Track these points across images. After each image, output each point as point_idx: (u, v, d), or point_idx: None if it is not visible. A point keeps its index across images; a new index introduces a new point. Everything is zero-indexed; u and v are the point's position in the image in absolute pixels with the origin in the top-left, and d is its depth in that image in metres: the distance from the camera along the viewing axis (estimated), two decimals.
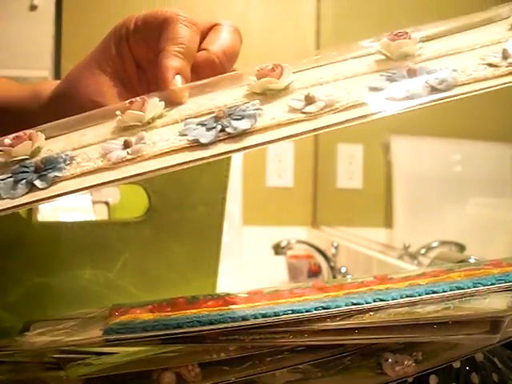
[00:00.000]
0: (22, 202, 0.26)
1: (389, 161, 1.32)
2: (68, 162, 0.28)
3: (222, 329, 0.29)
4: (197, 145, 0.27)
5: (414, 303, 0.30)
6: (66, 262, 0.45)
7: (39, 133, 0.30)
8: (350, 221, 1.52)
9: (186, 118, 0.29)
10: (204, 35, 0.35)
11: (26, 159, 0.29)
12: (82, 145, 0.29)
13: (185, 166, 0.26)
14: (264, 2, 1.77)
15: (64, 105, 0.36)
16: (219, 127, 0.27)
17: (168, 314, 0.32)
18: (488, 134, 1.06)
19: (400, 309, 0.30)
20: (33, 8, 1.58)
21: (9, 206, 0.26)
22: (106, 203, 0.90)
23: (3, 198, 0.26)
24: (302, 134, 0.27)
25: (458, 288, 0.31)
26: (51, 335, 0.32)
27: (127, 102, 0.30)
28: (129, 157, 0.27)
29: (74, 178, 0.27)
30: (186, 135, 0.27)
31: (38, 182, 0.27)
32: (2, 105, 0.40)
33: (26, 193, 0.27)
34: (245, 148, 0.26)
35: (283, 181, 1.67)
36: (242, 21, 1.72)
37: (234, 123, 0.27)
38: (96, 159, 0.27)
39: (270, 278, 1.38)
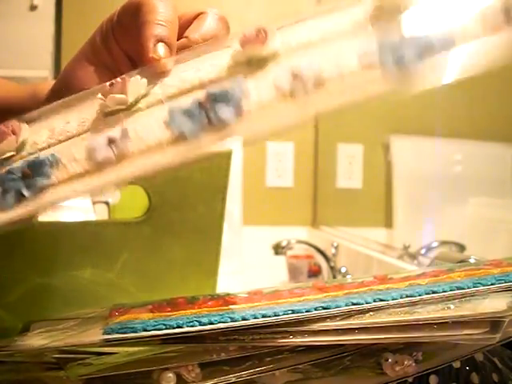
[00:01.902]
0: (13, 216, 0.26)
1: (389, 161, 1.32)
2: (54, 165, 0.27)
3: (222, 329, 0.29)
4: (182, 138, 0.26)
5: (413, 303, 0.30)
6: (66, 261, 0.45)
7: (22, 124, 0.29)
8: (350, 221, 1.52)
9: (170, 97, 0.28)
10: (189, 25, 0.35)
11: (12, 155, 0.28)
12: (67, 136, 0.29)
13: (171, 165, 0.26)
14: (264, 1, 1.77)
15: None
16: (204, 117, 0.26)
17: (168, 314, 0.32)
18: (488, 134, 1.06)
19: (400, 309, 0.30)
20: (33, 8, 1.58)
21: (3, 220, 0.26)
22: (106, 203, 0.90)
23: None
24: (289, 121, 0.26)
25: (458, 288, 0.31)
26: (51, 335, 0.32)
27: (108, 83, 0.29)
28: (114, 157, 0.26)
29: (61, 183, 0.27)
30: (171, 128, 0.26)
31: (25, 192, 0.26)
32: (1, 106, 0.40)
33: (15, 203, 0.26)
34: (230, 139, 0.26)
35: (283, 181, 1.67)
36: (242, 21, 1.72)
37: (219, 111, 0.26)
38: (82, 160, 0.27)
39: (270, 277, 1.38)
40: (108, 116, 0.29)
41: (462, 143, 1.14)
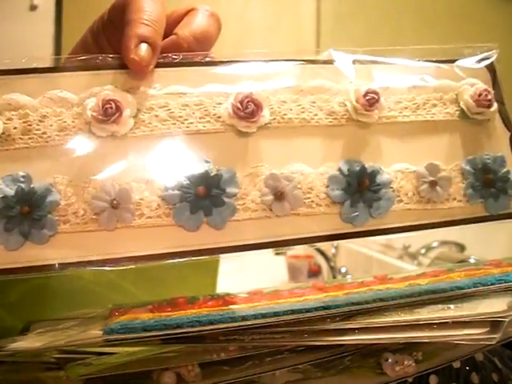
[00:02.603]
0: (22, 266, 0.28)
1: None
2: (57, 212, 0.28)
3: (222, 329, 0.29)
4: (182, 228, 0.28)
5: (413, 303, 0.30)
6: None
7: None
8: None
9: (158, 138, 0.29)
10: (179, 21, 0.34)
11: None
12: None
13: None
14: (264, 1, 1.77)
15: None
16: (202, 214, 0.28)
17: (168, 314, 0.32)
18: None
19: (400, 309, 0.30)
20: (33, 8, 1.58)
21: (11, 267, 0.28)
22: None
23: None
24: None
25: (458, 288, 0.31)
26: (51, 335, 0.32)
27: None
28: (119, 225, 0.28)
29: (66, 233, 0.28)
30: (170, 216, 0.28)
31: (33, 237, 0.27)
32: None
33: (21, 245, 0.27)
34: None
35: None
36: (242, 21, 1.72)
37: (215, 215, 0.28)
38: (87, 216, 0.28)
39: (270, 277, 1.37)
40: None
41: None
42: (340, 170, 0.30)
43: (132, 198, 0.28)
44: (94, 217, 0.27)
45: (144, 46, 0.30)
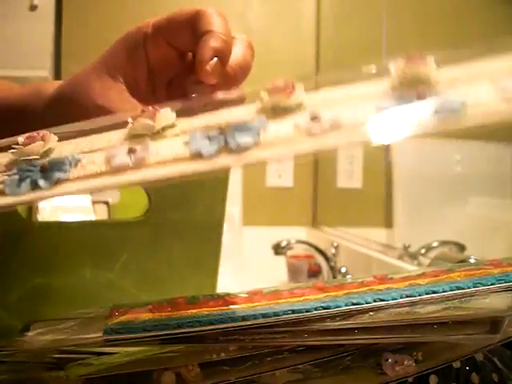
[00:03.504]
0: (21, 199, 0.27)
1: (389, 161, 1.32)
2: (73, 164, 0.28)
3: (222, 329, 0.29)
4: (198, 156, 0.27)
5: (413, 303, 0.30)
6: (66, 262, 0.45)
7: (52, 134, 0.30)
8: (350, 221, 1.52)
9: (195, 130, 0.29)
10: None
11: (36, 159, 0.29)
12: (91, 149, 0.30)
13: (184, 178, 0.27)
14: (264, 2, 1.77)
15: (67, 106, 0.36)
16: (222, 140, 0.27)
17: (168, 314, 0.32)
18: (488, 134, 1.06)
19: (400, 309, 0.30)
20: (33, 8, 1.58)
21: (9, 202, 0.27)
22: (106, 203, 0.90)
23: (6, 195, 0.27)
24: (302, 151, 0.27)
25: (458, 288, 0.31)
26: (51, 335, 0.32)
27: (140, 110, 0.30)
28: (131, 164, 0.27)
29: (76, 180, 0.27)
30: (188, 146, 0.27)
31: (41, 182, 0.27)
32: (2, 104, 0.40)
33: (29, 191, 0.27)
34: (244, 163, 0.27)
35: (283, 181, 1.67)
36: (242, 21, 1.72)
37: (237, 137, 0.27)
38: (100, 164, 0.28)
39: (270, 277, 1.38)
40: (133, 138, 0.30)
41: (461, 143, 1.14)
42: None
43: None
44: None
45: (217, 60, 0.33)
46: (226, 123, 0.28)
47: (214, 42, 0.33)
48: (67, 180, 0.27)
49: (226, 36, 0.34)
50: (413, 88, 0.28)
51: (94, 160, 0.28)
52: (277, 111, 0.29)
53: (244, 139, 0.27)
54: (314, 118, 0.27)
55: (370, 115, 0.27)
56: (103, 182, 0.27)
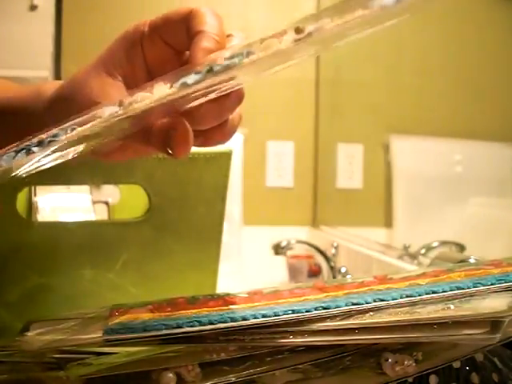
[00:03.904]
0: (15, 164, 0.28)
1: (389, 161, 1.32)
2: (68, 132, 0.28)
3: (222, 329, 0.29)
4: (184, 86, 0.28)
5: (413, 303, 0.30)
6: (66, 262, 0.45)
7: None
8: (350, 221, 1.52)
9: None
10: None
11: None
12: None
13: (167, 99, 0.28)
14: (264, 2, 1.77)
15: (67, 106, 0.36)
16: (207, 68, 0.28)
17: (168, 314, 0.32)
18: (488, 134, 1.06)
19: (400, 309, 0.30)
20: (33, 8, 1.58)
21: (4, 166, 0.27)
22: (106, 203, 0.90)
23: (1, 166, 0.27)
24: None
25: (458, 288, 0.31)
26: (51, 335, 0.32)
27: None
28: (120, 111, 0.28)
29: (68, 141, 0.28)
30: (174, 84, 0.28)
31: (35, 149, 0.28)
32: (1, 104, 0.40)
33: (23, 157, 0.28)
34: (231, 78, 0.27)
35: (283, 181, 1.67)
36: (242, 21, 1.72)
37: (223, 62, 0.28)
38: (92, 123, 0.28)
39: (270, 277, 1.38)
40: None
41: (462, 143, 1.14)
42: None
43: None
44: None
45: None
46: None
47: (205, 43, 0.32)
48: (60, 142, 0.28)
49: (219, 36, 0.33)
50: None
51: (87, 125, 0.29)
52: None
53: (228, 61, 0.27)
54: (298, 30, 0.27)
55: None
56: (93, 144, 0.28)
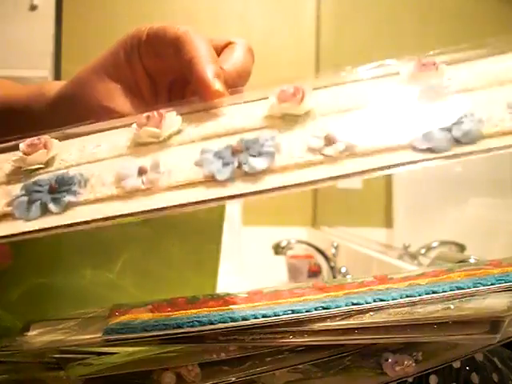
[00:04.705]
0: (35, 228, 0.26)
1: None
2: (82, 185, 0.28)
3: (222, 329, 0.29)
4: (212, 180, 0.26)
5: (413, 303, 0.30)
6: (66, 262, 0.45)
7: (54, 140, 0.30)
8: (350, 221, 1.52)
9: (203, 139, 0.29)
10: (218, 53, 0.36)
11: (40, 168, 0.29)
12: (97, 158, 0.29)
13: (201, 205, 0.26)
14: (264, 2, 1.77)
15: (71, 106, 0.36)
16: (236, 163, 0.26)
17: (168, 314, 0.32)
18: None
19: (400, 309, 0.30)
20: (33, 8, 1.58)
21: (24, 230, 0.26)
22: None
23: (17, 219, 0.26)
24: (321, 181, 0.26)
25: (458, 288, 0.31)
26: (51, 335, 0.32)
27: (145, 115, 0.30)
28: (143, 187, 0.27)
29: (87, 204, 0.27)
30: (201, 167, 0.27)
31: (52, 206, 0.26)
32: (4, 104, 0.40)
33: (40, 215, 0.26)
34: (261, 192, 0.26)
35: None
36: (242, 21, 1.72)
37: (252, 161, 0.26)
38: (110, 185, 0.27)
39: (270, 277, 1.38)
40: (140, 146, 0.29)
41: None
42: None
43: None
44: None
45: (217, 80, 0.33)
46: (237, 143, 0.27)
47: (208, 66, 0.33)
48: (78, 203, 0.27)
49: (211, 58, 0.33)
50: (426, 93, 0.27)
51: (103, 181, 0.28)
52: (286, 119, 0.29)
53: (258, 162, 0.26)
54: (328, 140, 0.27)
55: (384, 138, 0.26)
56: (118, 210, 0.27)
